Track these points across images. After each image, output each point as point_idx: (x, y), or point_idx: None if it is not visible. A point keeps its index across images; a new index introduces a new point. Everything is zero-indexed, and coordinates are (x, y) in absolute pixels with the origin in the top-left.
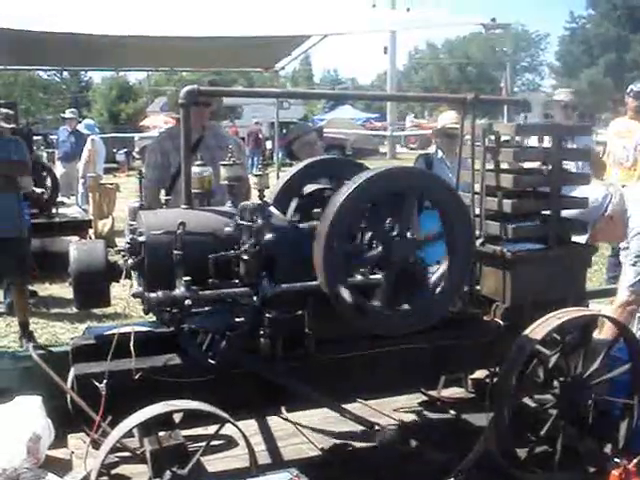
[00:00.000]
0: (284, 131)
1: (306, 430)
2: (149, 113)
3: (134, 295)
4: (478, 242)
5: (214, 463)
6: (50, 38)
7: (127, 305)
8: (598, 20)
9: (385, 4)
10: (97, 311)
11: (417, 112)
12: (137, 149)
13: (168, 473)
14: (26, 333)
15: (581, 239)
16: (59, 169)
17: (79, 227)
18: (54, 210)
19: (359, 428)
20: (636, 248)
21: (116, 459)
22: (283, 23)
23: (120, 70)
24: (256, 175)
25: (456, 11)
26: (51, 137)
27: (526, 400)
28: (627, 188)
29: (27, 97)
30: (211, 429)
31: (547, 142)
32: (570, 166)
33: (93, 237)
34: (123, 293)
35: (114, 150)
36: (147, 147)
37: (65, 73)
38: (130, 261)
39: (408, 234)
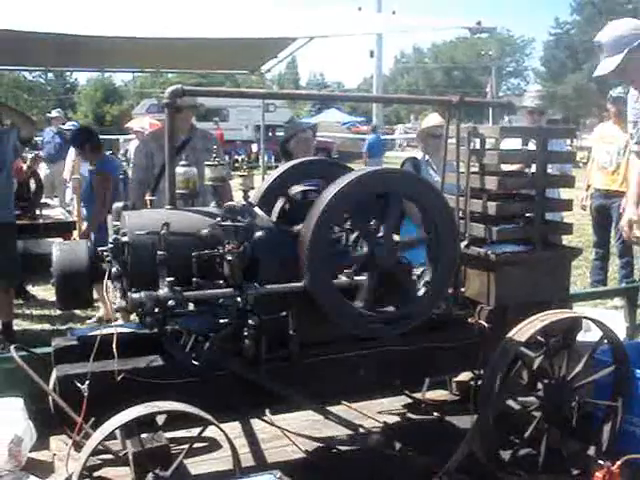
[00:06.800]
0: (270, 134)
1: (290, 433)
2: (135, 115)
3: (117, 310)
4: (463, 244)
5: (197, 465)
6: (34, 38)
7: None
8: (583, 26)
9: (371, 7)
10: (81, 313)
11: (403, 116)
12: (122, 151)
13: (151, 475)
14: (9, 334)
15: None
16: (43, 170)
17: (63, 229)
18: (38, 211)
19: (343, 431)
20: None
21: (98, 461)
22: (269, 25)
23: (105, 71)
24: (241, 176)
25: (442, 15)
26: (35, 139)
27: (510, 402)
28: None
29: (12, 98)
30: (194, 431)
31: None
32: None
33: (78, 239)
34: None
35: None
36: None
37: (50, 75)
38: (114, 265)
39: (394, 236)
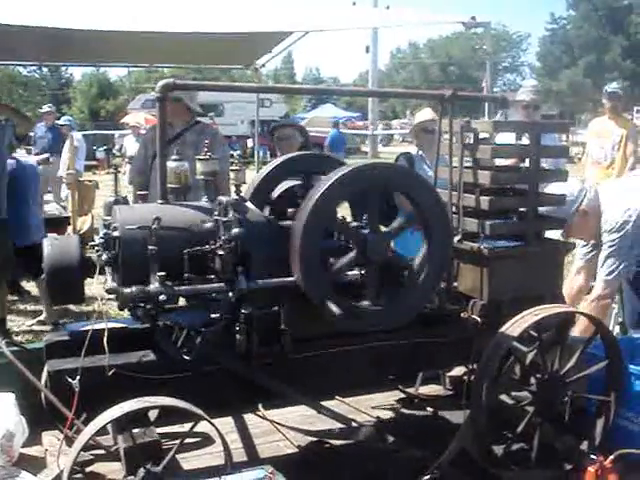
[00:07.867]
0: (265, 129)
1: (283, 428)
2: (130, 110)
3: (108, 291)
4: (455, 239)
5: (189, 460)
6: (29, 33)
7: (104, 302)
8: (579, 21)
9: (366, 2)
10: (74, 308)
11: (399, 111)
12: (117, 146)
13: (142, 470)
14: (2, 330)
15: (557, 234)
16: None
17: (57, 224)
18: None
19: (336, 425)
20: (610, 241)
21: (90, 457)
22: (263, 19)
23: (100, 66)
24: (233, 170)
25: (437, 10)
26: (29, 134)
27: (503, 397)
28: (601, 185)
29: (7, 93)
30: (186, 426)
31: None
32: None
33: (72, 234)
34: (100, 290)
35: (94, 147)
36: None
37: (45, 70)
38: (104, 256)
39: (381, 227)
